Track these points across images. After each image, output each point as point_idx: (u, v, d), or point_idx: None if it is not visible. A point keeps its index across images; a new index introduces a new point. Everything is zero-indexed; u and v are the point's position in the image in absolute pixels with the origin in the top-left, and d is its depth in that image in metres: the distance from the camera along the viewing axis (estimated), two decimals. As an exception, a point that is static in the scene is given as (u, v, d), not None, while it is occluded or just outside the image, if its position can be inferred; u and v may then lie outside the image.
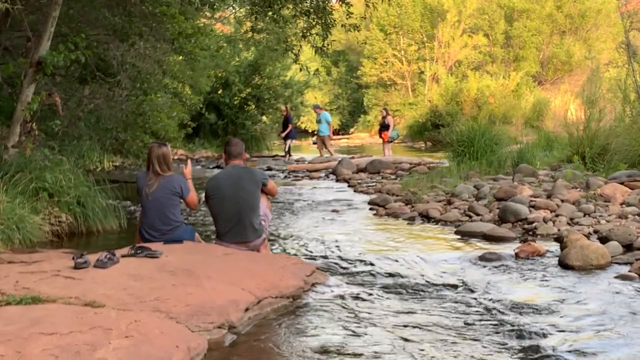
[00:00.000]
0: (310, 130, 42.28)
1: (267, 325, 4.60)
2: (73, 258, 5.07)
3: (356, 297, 5.34)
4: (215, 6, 15.97)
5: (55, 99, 9.78)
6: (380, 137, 21.26)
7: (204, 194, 6.53)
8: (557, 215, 8.36)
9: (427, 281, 5.87)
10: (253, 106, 27.49)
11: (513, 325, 4.55)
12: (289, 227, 9.09)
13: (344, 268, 6.45)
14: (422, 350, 4.10)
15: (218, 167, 18.02)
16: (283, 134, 23.12)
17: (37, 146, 9.47)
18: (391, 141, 21.14)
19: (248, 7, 15.06)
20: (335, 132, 42.31)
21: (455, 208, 9.59)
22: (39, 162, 8.55)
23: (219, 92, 26.89)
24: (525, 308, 4.97)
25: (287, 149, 22.66)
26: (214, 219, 6.52)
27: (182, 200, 6.49)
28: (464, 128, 14.70)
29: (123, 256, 5.32)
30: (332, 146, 23.19)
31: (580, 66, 39.34)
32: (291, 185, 14.50)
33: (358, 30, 14.51)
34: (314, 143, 23.58)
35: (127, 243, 6.16)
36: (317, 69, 18.67)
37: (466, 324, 4.62)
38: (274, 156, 23.86)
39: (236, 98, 27.12)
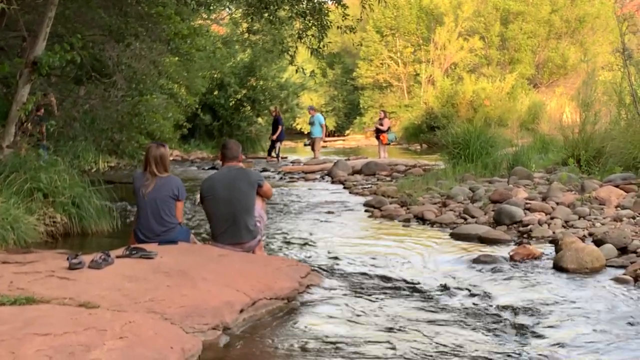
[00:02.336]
0: (306, 132, 42.23)
1: (262, 326, 4.60)
2: (68, 259, 5.06)
3: (351, 299, 5.33)
4: (211, 7, 15.97)
5: (50, 99, 9.78)
6: (377, 139, 21.24)
7: (198, 195, 6.52)
8: (552, 218, 8.37)
9: (421, 283, 5.87)
10: (248, 107, 27.50)
11: (507, 328, 4.55)
12: (284, 228, 9.08)
13: (339, 270, 6.45)
14: (417, 351, 4.09)
15: (214, 167, 18.02)
16: (274, 137, 22.79)
17: (33, 146, 9.46)
18: (388, 143, 21.15)
19: (244, 8, 15.04)
20: (331, 134, 42.23)
21: (451, 210, 9.59)
22: (34, 162, 8.53)
23: (215, 93, 26.90)
24: (520, 310, 4.97)
25: (277, 152, 22.43)
26: (209, 220, 6.52)
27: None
28: (459, 130, 14.72)
29: (118, 257, 5.32)
30: (321, 150, 23.12)
31: (576, 69, 39.36)
32: (287, 187, 14.49)
33: (354, 32, 14.51)
34: (306, 145, 23.48)
35: (122, 244, 6.15)
36: (312, 71, 18.64)
37: (461, 326, 4.62)
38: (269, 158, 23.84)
39: (231, 99, 27.12)
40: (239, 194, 6.27)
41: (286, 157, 23.71)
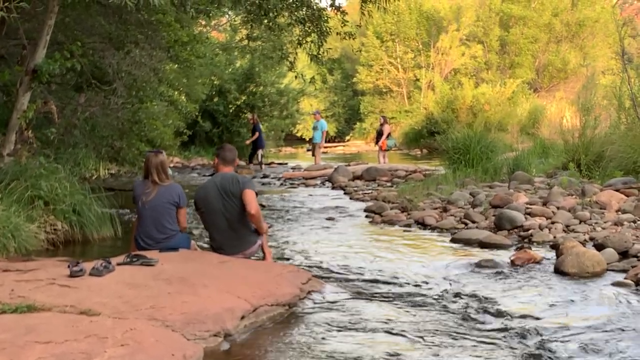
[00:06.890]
0: (307, 139, 42.20)
1: (263, 333, 4.59)
2: (68, 266, 5.05)
3: (352, 305, 5.33)
4: (210, 14, 16.00)
5: (50, 106, 9.78)
6: (377, 144, 21.24)
7: (194, 204, 6.50)
8: (552, 223, 8.37)
9: (422, 289, 5.87)
10: (248, 114, 27.57)
11: (509, 332, 4.55)
12: (285, 234, 9.08)
13: (340, 276, 6.44)
14: (418, 357, 4.09)
15: (214, 174, 18.01)
16: (248, 142, 22.46)
17: (33, 154, 9.46)
18: (388, 149, 21.15)
19: (244, 15, 15.07)
20: (331, 140, 42.18)
21: (451, 215, 9.59)
22: (35, 170, 8.53)
23: (214, 100, 26.96)
24: (521, 315, 4.96)
25: (260, 160, 22.13)
26: (207, 231, 6.51)
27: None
28: (459, 135, 14.72)
29: (119, 264, 5.31)
30: (321, 155, 23.09)
31: (576, 74, 39.42)
32: (287, 193, 14.49)
33: (353, 39, 14.53)
34: (308, 150, 23.44)
35: (123, 251, 6.15)
36: (312, 77, 18.64)
37: (462, 331, 4.62)
38: (269, 164, 23.85)
39: (231, 106, 27.18)
40: (232, 202, 6.21)
41: (286, 163, 23.69)
